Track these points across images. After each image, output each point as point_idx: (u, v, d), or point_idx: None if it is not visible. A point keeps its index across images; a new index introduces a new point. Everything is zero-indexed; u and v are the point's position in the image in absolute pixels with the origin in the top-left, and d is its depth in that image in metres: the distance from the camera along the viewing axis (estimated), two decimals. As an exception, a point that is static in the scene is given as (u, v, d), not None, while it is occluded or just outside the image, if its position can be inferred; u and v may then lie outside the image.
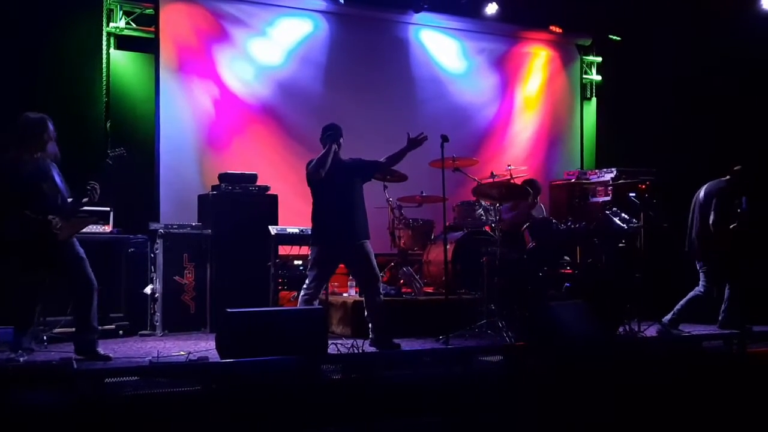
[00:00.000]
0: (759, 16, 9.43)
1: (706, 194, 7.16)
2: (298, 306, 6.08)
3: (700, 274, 7.06)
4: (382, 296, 6.25)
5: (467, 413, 4.64)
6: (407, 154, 6.25)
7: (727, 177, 7.14)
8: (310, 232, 7.31)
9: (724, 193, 7.05)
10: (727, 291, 7.19)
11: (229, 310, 5.41)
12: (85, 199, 5.55)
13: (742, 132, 9.28)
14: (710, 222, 7.01)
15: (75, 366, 5.09)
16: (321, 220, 6.18)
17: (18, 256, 5.45)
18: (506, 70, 10.34)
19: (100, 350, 5.62)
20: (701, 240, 7.10)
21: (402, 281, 7.67)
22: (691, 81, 9.66)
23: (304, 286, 6.13)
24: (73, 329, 5.78)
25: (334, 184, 6.11)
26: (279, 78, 8.92)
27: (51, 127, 5.60)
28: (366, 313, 6.20)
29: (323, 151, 6.10)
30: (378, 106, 9.13)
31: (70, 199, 5.59)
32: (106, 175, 5.73)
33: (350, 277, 7.32)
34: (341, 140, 6.19)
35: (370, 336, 6.16)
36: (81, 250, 5.64)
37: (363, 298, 6.26)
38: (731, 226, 7.01)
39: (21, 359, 5.39)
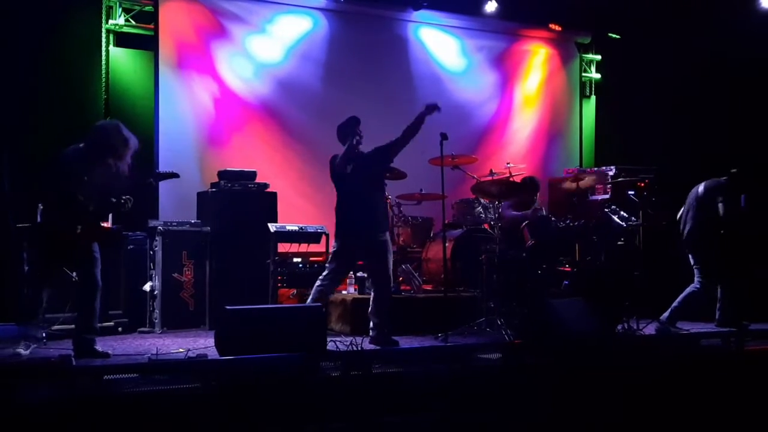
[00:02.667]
0: (758, 14, 9.44)
1: (706, 189, 7.10)
2: (311, 296, 6.13)
3: (695, 270, 7.05)
4: (392, 296, 6.28)
5: (466, 410, 4.65)
6: (424, 120, 6.23)
7: (725, 178, 7.13)
8: (309, 230, 7.35)
9: (728, 191, 7.03)
10: (720, 289, 7.18)
11: (228, 307, 5.42)
12: (118, 208, 5.70)
13: (742, 130, 9.30)
14: (720, 216, 6.96)
15: (74, 363, 5.10)
16: (343, 214, 6.24)
17: (40, 246, 5.63)
18: (505, 68, 10.34)
19: (99, 348, 5.62)
20: (695, 234, 7.08)
21: (401, 279, 7.67)
22: (691, 79, 9.67)
23: (320, 277, 6.18)
24: (73, 326, 5.81)
25: (356, 178, 6.17)
26: (278, 75, 8.91)
27: (116, 138, 5.64)
28: (370, 309, 6.20)
29: (345, 148, 6.17)
30: (377, 104, 9.11)
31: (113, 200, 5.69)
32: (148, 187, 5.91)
33: (350, 275, 7.31)
34: (359, 130, 6.25)
35: (370, 333, 6.17)
36: (96, 250, 5.70)
37: (371, 294, 6.25)
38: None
39: (27, 351, 5.43)
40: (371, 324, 6.20)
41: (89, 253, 5.65)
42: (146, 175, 6.04)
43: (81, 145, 5.63)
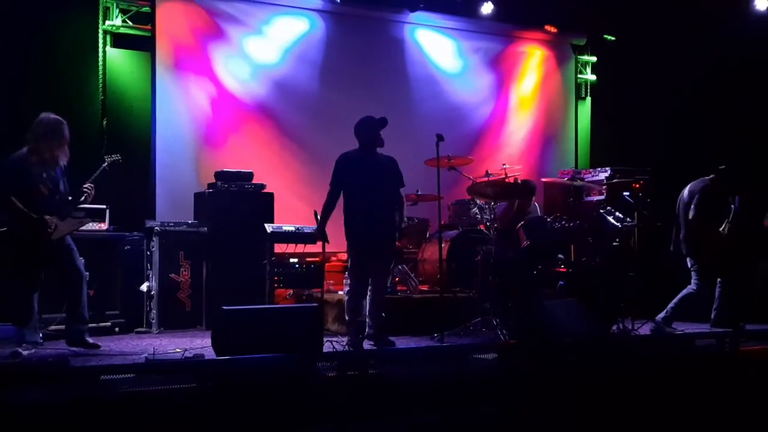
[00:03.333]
0: (753, 16, 9.49)
1: (689, 192, 7.15)
2: (347, 314, 6.18)
3: (692, 272, 7.08)
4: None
5: (461, 410, 4.67)
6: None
7: (712, 176, 7.16)
8: (306, 230, 7.34)
9: (708, 191, 7.05)
10: (718, 290, 7.21)
11: (224, 307, 5.43)
12: (82, 198, 5.73)
13: (737, 131, 9.33)
14: (689, 218, 7.02)
15: (71, 363, 5.11)
16: (359, 219, 6.15)
17: (14, 250, 5.60)
18: (501, 70, 10.37)
19: (90, 340, 5.71)
20: (688, 239, 7.11)
21: (397, 279, 7.69)
22: (686, 80, 9.70)
23: (348, 283, 6.26)
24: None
25: (372, 181, 6.12)
26: (275, 76, 8.93)
27: (65, 130, 5.73)
28: (368, 310, 6.19)
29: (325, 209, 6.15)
30: (374, 105, 9.00)
31: (70, 198, 5.73)
32: (102, 173, 5.94)
33: (345, 275, 7.32)
34: (380, 133, 6.23)
35: (367, 332, 6.17)
36: (70, 241, 5.76)
37: (369, 295, 6.24)
38: (722, 228, 7.02)
39: (25, 353, 5.45)
40: (368, 322, 6.20)
41: (65, 245, 5.70)
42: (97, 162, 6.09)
43: (24, 149, 5.66)
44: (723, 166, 7.12)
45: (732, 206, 7.05)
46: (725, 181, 7.06)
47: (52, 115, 5.73)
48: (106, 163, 6.05)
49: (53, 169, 5.69)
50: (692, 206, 7.01)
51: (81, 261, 5.82)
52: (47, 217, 5.51)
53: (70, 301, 5.76)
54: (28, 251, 5.57)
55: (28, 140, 5.66)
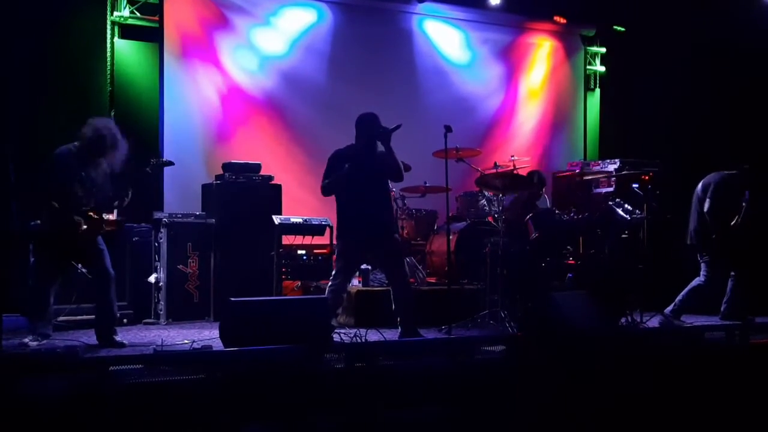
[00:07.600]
0: (763, 7, 9.42)
1: (703, 185, 7.14)
2: (327, 296, 6.04)
3: (701, 264, 7.06)
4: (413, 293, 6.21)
5: (469, 403, 4.66)
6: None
7: (734, 172, 7.11)
8: (313, 222, 7.34)
9: (724, 185, 7.02)
10: (730, 283, 7.19)
11: (232, 299, 5.44)
12: (116, 202, 5.82)
13: (746, 123, 9.28)
14: (705, 210, 7.00)
15: (80, 354, 5.14)
16: (351, 213, 6.01)
17: (44, 245, 5.71)
18: (510, 61, 10.34)
19: (117, 338, 5.75)
20: (699, 231, 7.09)
21: (405, 271, 7.68)
22: (695, 72, 9.64)
23: (331, 277, 6.07)
24: (79, 317, 6.03)
25: (367, 177, 5.97)
26: (282, 68, 8.92)
27: (110, 141, 5.72)
28: (394, 306, 6.06)
29: (340, 176, 5.88)
30: (382, 97, 9.09)
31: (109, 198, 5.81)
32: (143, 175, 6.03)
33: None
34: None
35: (399, 330, 6.09)
36: (101, 243, 5.79)
37: (392, 294, 6.09)
38: (733, 222, 7.00)
39: (33, 344, 5.48)
40: (398, 320, 6.11)
41: (95, 247, 5.74)
42: (142, 165, 6.06)
43: (72, 144, 5.70)
44: (747, 166, 7.07)
45: (743, 202, 7.02)
46: (747, 180, 7.02)
47: (100, 121, 5.76)
48: (149, 167, 6.03)
49: (96, 169, 5.72)
50: (707, 199, 6.99)
51: (109, 261, 5.83)
52: (75, 217, 5.55)
53: (98, 300, 5.80)
54: (57, 248, 5.64)
55: (79, 139, 5.69)
